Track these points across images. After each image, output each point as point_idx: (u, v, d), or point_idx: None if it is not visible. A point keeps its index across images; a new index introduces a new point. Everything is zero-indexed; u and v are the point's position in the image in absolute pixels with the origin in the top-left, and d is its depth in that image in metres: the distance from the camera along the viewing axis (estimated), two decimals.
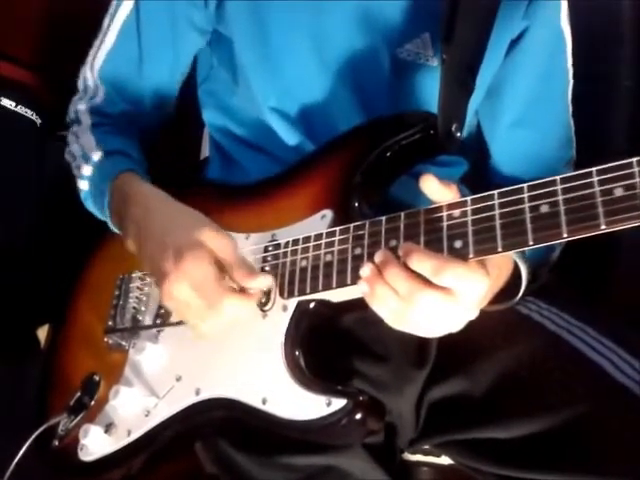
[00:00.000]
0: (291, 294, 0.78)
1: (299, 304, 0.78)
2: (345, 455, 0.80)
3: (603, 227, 0.61)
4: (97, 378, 0.92)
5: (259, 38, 0.92)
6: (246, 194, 0.90)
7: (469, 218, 0.68)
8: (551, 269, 0.93)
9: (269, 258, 0.82)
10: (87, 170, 0.93)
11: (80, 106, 0.99)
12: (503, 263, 0.77)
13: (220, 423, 0.80)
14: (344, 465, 0.81)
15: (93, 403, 0.90)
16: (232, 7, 0.92)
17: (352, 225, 0.76)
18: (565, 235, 0.63)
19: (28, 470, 0.88)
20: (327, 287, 0.76)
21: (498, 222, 0.67)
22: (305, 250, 0.79)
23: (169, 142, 1.12)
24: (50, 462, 0.92)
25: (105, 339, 0.92)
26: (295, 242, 0.80)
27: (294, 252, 0.80)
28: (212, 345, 0.81)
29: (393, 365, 0.85)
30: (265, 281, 0.77)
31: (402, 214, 0.73)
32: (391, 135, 0.81)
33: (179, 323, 0.84)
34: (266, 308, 0.80)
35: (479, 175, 0.99)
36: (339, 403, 0.71)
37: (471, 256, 0.67)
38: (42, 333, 1.06)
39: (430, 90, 0.86)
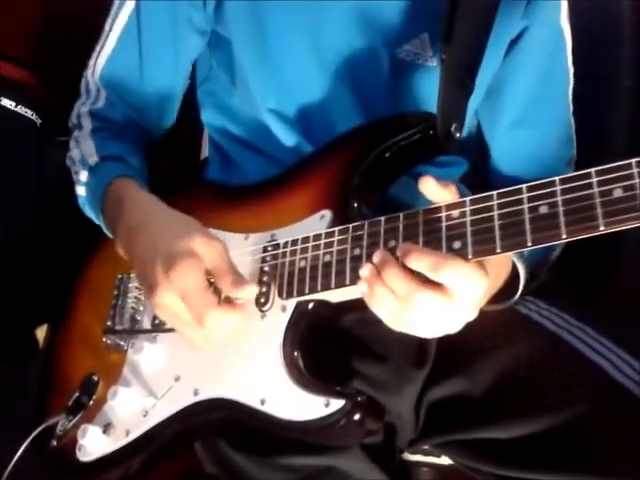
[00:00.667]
0: (290, 294, 0.78)
1: (298, 304, 0.78)
2: (344, 455, 0.80)
3: (602, 228, 0.61)
4: (96, 378, 0.92)
5: (258, 39, 0.91)
6: (245, 194, 0.90)
7: (468, 219, 0.68)
8: (551, 268, 0.93)
9: (268, 258, 0.82)
10: (84, 176, 0.93)
11: (82, 111, 0.99)
12: (502, 263, 0.77)
13: (219, 423, 0.80)
14: (343, 465, 0.81)
15: (91, 403, 0.90)
16: (231, 8, 0.92)
17: (351, 225, 0.76)
18: (564, 236, 0.63)
19: (26, 470, 0.88)
20: (326, 287, 0.76)
21: (497, 223, 0.66)
22: (304, 250, 0.79)
23: (169, 142, 1.12)
24: (48, 462, 0.91)
25: (104, 339, 0.92)
26: (294, 242, 0.80)
27: (293, 252, 0.80)
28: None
29: (393, 365, 0.85)
30: (251, 291, 0.75)
31: (401, 215, 0.73)
32: (390, 136, 0.81)
33: (173, 330, 0.84)
34: (265, 308, 0.80)
35: (479, 175, 0.98)
36: (337, 404, 0.71)
37: (470, 257, 0.67)
38: (41, 333, 1.06)
39: (429, 90, 0.86)
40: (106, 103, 0.98)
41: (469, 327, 0.72)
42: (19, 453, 0.88)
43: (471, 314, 0.70)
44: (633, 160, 0.61)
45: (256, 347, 0.79)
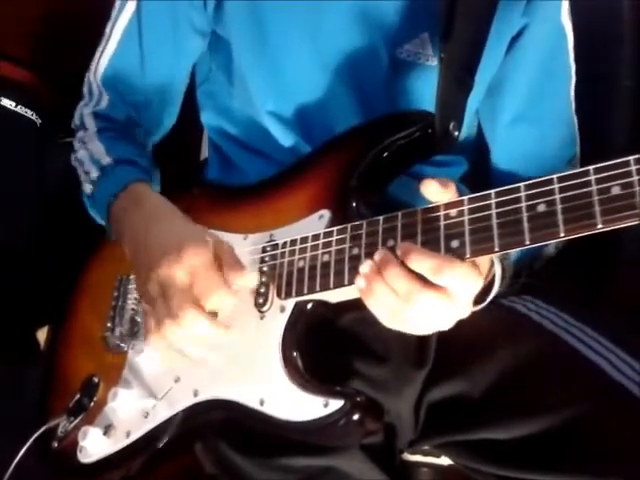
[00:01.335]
0: (288, 295, 0.78)
1: (297, 305, 0.78)
2: (344, 456, 0.80)
3: (600, 226, 0.61)
4: (96, 380, 0.92)
5: (257, 39, 0.91)
6: (244, 195, 0.90)
7: (466, 218, 0.68)
8: (550, 267, 0.92)
9: (267, 258, 0.81)
10: (94, 174, 0.94)
11: (85, 112, 1.00)
12: (483, 265, 0.76)
13: (218, 424, 0.80)
14: (343, 466, 0.81)
15: (92, 405, 0.90)
16: (230, 8, 0.92)
17: (349, 225, 0.76)
18: (562, 234, 0.62)
19: (28, 471, 0.88)
20: (325, 288, 0.76)
21: (495, 222, 0.66)
22: (303, 250, 0.79)
23: (169, 143, 1.12)
24: (50, 464, 0.91)
25: (104, 341, 0.92)
26: (293, 242, 0.80)
27: (292, 252, 0.79)
28: (210, 346, 0.81)
29: (392, 365, 0.84)
30: (251, 279, 0.77)
31: (399, 214, 0.73)
32: (388, 135, 0.81)
33: None
34: (264, 309, 0.80)
35: (479, 175, 0.98)
36: (336, 404, 0.71)
37: (468, 256, 0.67)
38: (42, 335, 1.06)
39: (430, 90, 0.86)
40: (109, 104, 0.99)
41: (468, 327, 0.72)
42: (21, 454, 0.88)
43: (464, 312, 0.70)
44: (631, 157, 0.60)
45: (255, 347, 0.79)
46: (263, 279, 0.81)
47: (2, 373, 1.02)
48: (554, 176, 0.64)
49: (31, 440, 0.88)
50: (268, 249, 0.82)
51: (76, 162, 0.98)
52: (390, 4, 0.88)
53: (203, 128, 1.07)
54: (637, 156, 0.60)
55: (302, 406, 0.73)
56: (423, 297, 0.66)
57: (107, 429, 0.86)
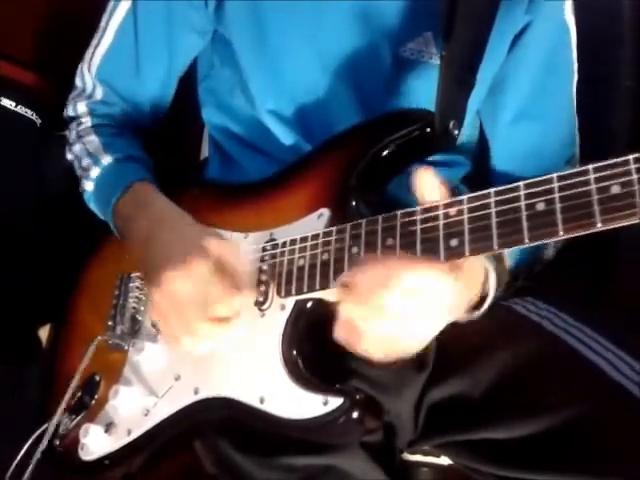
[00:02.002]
0: (288, 293, 0.78)
1: (297, 303, 0.78)
2: (344, 455, 0.80)
3: (599, 225, 0.61)
4: (97, 378, 0.92)
5: (258, 39, 0.92)
6: (245, 193, 0.90)
7: (465, 217, 0.68)
8: (549, 268, 0.92)
9: (267, 257, 0.82)
10: (95, 172, 0.94)
11: (79, 105, 1.00)
12: (473, 271, 0.76)
13: (219, 422, 0.80)
14: (343, 465, 0.81)
15: (93, 403, 0.90)
16: (231, 8, 0.92)
17: (349, 224, 0.76)
18: (561, 233, 0.62)
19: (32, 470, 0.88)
20: (324, 286, 0.76)
21: (494, 220, 0.66)
22: (302, 249, 0.79)
23: (169, 142, 1.12)
24: (51, 462, 0.91)
25: (105, 339, 0.93)
26: (292, 242, 0.80)
27: (291, 251, 0.80)
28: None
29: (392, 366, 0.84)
30: (244, 300, 0.79)
31: (399, 213, 0.73)
32: (388, 133, 0.81)
33: None
34: (264, 307, 0.80)
35: (480, 176, 0.98)
36: (336, 402, 0.71)
37: (467, 254, 0.67)
38: (44, 333, 1.06)
39: (432, 88, 0.85)
40: (103, 99, 1.00)
41: (468, 328, 0.72)
42: (22, 452, 0.88)
43: (443, 316, 0.70)
44: (631, 156, 0.61)
45: (255, 346, 0.79)
46: (263, 278, 0.81)
47: (3, 372, 1.02)
48: (553, 175, 0.64)
49: (32, 438, 0.88)
50: (268, 248, 0.82)
51: (71, 155, 0.98)
52: (393, 3, 0.88)
53: (203, 127, 1.07)
54: (636, 155, 0.60)
55: (302, 404, 0.73)
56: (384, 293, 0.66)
57: (108, 427, 0.87)
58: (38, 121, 1.09)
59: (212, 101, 1.03)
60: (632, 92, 1.12)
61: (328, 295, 0.77)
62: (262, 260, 0.82)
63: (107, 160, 0.94)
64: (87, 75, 1.00)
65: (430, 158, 0.88)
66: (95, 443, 0.86)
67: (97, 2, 1.01)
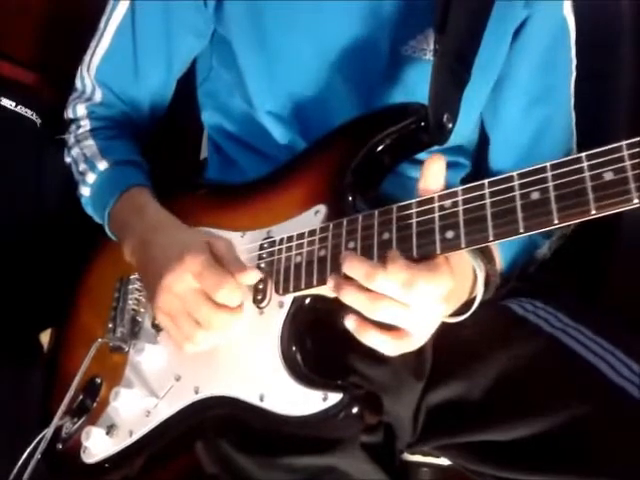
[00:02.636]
0: (286, 290, 0.78)
1: (295, 300, 0.78)
2: (345, 456, 0.80)
3: (593, 212, 0.61)
4: (99, 380, 0.92)
5: (257, 39, 0.92)
6: (241, 192, 0.90)
7: (460, 208, 0.68)
8: (545, 266, 0.92)
9: (264, 255, 0.82)
10: (91, 178, 0.95)
11: (79, 107, 1.01)
12: (465, 272, 0.76)
13: (220, 421, 0.80)
14: (344, 466, 0.81)
15: (95, 405, 0.90)
16: (230, 8, 0.92)
17: (345, 220, 0.76)
18: (556, 222, 0.62)
19: (34, 473, 0.88)
20: (321, 282, 0.76)
21: (489, 211, 0.66)
22: (299, 246, 0.79)
23: (169, 142, 1.12)
24: (54, 464, 0.92)
25: (105, 341, 0.93)
26: (289, 238, 0.80)
27: (289, 248, 0.80)
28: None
29: (391, 367, 0.84)
30: (254, 276, 0.78)
31: (394, 207, 0.73)
32: (382, 128, 0.81)
33: None
34: (262, 305, 0.80)
35: (480, 176, 0.98)
36: (335, 397, 0.71)
37: (463, 246, 0.67)
38: (45, 337, 1.06)
39: None
40: (102, 101, 1.01)
41: (466, 330, 0.73)
42: (25, 455, 0.88)
43: (434, 312, 0.70)
44: (624, 142, 0.60)
45: (254, 343, 0.79)
46: (261, 275, 0.81)
47: (5, 376, 1.02)
48: (547, 164, 0.64)
49: (35, 442, 0.88)
50: (265, 246, 0.82)
51: (69, 159, 0.99)
52: (392, 2, 0.88)
53: (203, 128, 1.07)
54: (629, 141, 0.60)
55: (301, 400, 0.73)
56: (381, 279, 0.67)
57: (110, 429, 0.87)
58: (38, 121, 1.09)
59: (211, 103, 1.03)
60: (632, 92, 1.11)
61: (326, 291, 0.77)
62: (260, 258, 0.82)
63: (103, 165, 0.95)
64: (86, 77, 1.01)
65: None
66: (97, 445, 0.86)
67: (97, 2, 1.02)
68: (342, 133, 0.85)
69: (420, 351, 0.84)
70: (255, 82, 0.94)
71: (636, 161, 0.59)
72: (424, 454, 0.97)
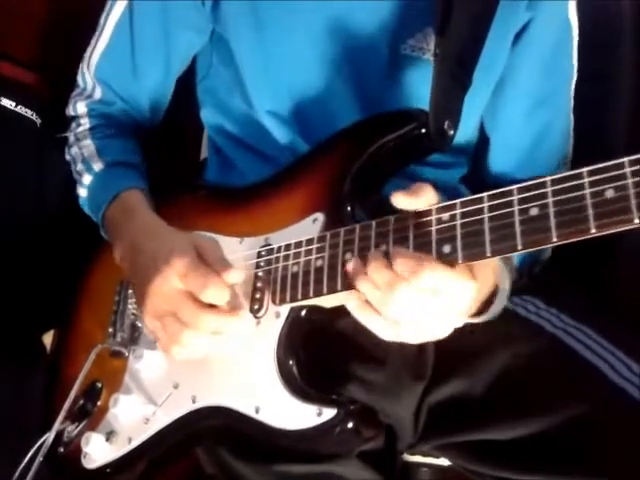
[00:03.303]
0: (283, 301, 0.77)
1: (291, 311, 0.77)
2: (343, 462, 0.80)
3: (593, 231, 0.59)
4: (99, 385, 0.92)
5: (256, 38, 0.90)
6: (240, 197, 0.90)
7: (458, 222, 0.67)
8: (548, 267, 0.91)
9: (262, 264, 0.81)
10: (87, 179, 0.95)
11: (79, 105, 1.01)
12: (490, 272, 0.75)
13: (216, 431, 0.80)
14: (342, 472, 0.81)
15: (95, 410, 0.90)
16: (228, 7, 0.91)
17: (342, 230, 0.75)
18: (554, 239, 0.61)
19: (36, 476, 0.89)
20: (318, 293, 0.75)
21: (487, 226, 0.65)
22: (297, 255, 0.78)
23: (169, 142, 1.11)
24: (56, 468, 0.92)
25: (106, 346, 0.93)
26: (287, 247, 0.79)
27: (286, 257, 0.79)
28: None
29: (390, 370, 0.84)
30: (239, 275, 0.77)
31: (392, 218, 0.71)
32: (381, 135, 0.79)
33: None
34: (259, 315, 0.79)
35: (479, 176, 0.96)
36: (330, 413, 0.70)
37: (460, 261, 0.66)
38: (48, 339, 1.07)
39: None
40: (102, 98, 1.00)
41: (467, 331, 0.71)
42: (26, 460, 0.88)
43: (457, 319, 0.69)
44: (625, 159, 0.58)
45: (251, 354, 0.78)
46: (259, 284, 0.80)
47: (8, 377, 1.03)
48: (547, 178, 0.62)
49: (35, 447, 0.88)
50: (263, 253, 0.81)
51: (69, 157, 0.99)
52: (392, 1, 0.86)
53: (203, 127, 1.06)
54: (631, 158, 0.58)
55: (296, 415, 0.72)
56: (403, 288, 0.65)
57: (109, 435, 0.87)
58: (38, 121, 1.08)
59: (210, 101, 1.02)
60: (632, 92, 1.09)
61: (323, 302, 0.77)
62: (257, 266, 0.81)
63: (98, 166, 0.94)
64: (87, 74, 1.00)
65: (427, 160, 0.87)
66: (97, 451, 0.87)
67: (97, 2, 1.01)
68: (341, 139, 0.84)
69: (421, 351, 0.84)
70: (254, 81, 0.93)
71: (638, 179, 0.57)
72: (424, 455, 0.96)
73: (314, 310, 0.77)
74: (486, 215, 0.65)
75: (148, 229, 0.85)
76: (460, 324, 0.70)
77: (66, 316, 1.01)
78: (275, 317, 0.78)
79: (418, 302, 0.66)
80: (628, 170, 0.58)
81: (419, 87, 0.88)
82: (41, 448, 0.87)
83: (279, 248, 0.80)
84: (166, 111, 1.04)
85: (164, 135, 1.06)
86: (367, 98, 0.90)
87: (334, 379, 0.81)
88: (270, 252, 0.81)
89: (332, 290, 0.73)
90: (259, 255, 0.81)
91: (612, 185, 0.58)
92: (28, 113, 1.07)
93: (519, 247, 0.62)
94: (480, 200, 0.66)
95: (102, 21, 0.98)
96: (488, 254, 0.64)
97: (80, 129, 1.00)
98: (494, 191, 0.65)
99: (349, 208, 0.78)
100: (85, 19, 1.03)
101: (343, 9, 0.87)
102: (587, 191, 0.59)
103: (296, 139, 0.92)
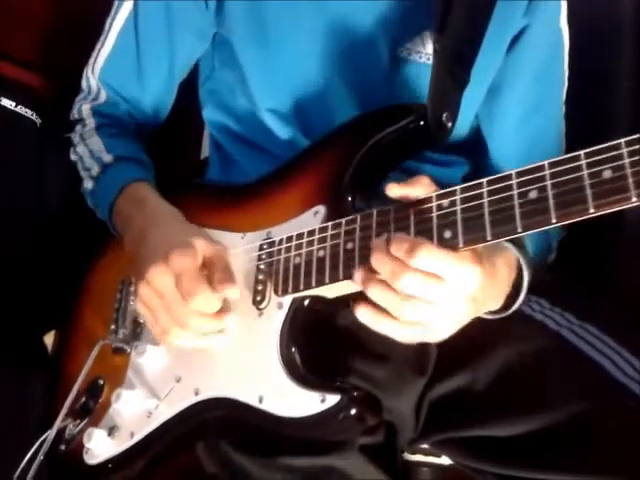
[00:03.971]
0: (285, 291, 0.78)
1: (294, 301, 0.78)
2: (345, 456, 0.79)
3: (592, 210, 0.60)
4: (101, 382, 0.92)
5: (258, 38, 0.92)
6: (242, 193, 0.90)
7: (458, 207, 0.67)
8: (552, 264, 0.91)
9: (264, 256, 0.81)
10: (96, 171, 0.96)
11: (84, 108, 1.02)
12: (509, 265, 0.75)
13: (219, 423, 0.80)
14: (344, 466, 0.80)
15: (97, 407, 0.90)
16: (231, 8, 0.92)
17: (344, 220, 0.75)
18: (554, 220, 0.61)
19: (37, 474, 0.89)
20: (320, 283, 0.75)
21: (487, 210, 0.65)
22: (298, 247, 0.78)
23: (169, 142, 1.12)
24: (57, 466, 0.92)
25: (108, 343, 0.93)
26: (289, 239, 0.80)
27: (288, 249, 0.79)
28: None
29: (392, 365, 0.84)
30: (233, 293, 0.77)
31: (392, 207, 0.72)
32: (381, 128, 0.80)
33: None
34: (262, 306, 0.80)
35: (480, 176, 0.97)
36: (333, 399, 0.70)
37: (461, 246, 0.66)
38: (49, 339, 1.07)
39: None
40: (107, 101, 1.02)
41: (471, 325, 0.71)
42: (27, 457, 0.88)
43: (466, 308, 0.68)
44: (622, 140, 0.59)
45: (254, 345, 0.79)
46: (260, 277, 0.81)
47: (9, 377, 1.02)
48: (545, 162, 0.64)
49: (37, 444, 0.88)
50: (265, 247, 0.82)
51: (75, 156, 1.00)
52: (391, 3, 0.88)
53: (203, 127, 1.08)
54: (628, 138, 0.59)
55: (300, 402, 0.72)
56: (406, 275, 0.65)
57: (111, 430, 0.87)
58: (38, 121, 1.09)
59: (213, 101, 1.04)
60: (632, 92, 1.10)
61: (325, 292, 0.77)
62: (259, 259, 0.82)
63: (108, 159, 0.95)
64: (91, 78, 1.01)
65: (429, 158, 0.88)
66: (99, 447, 0.86)
67: (98, 2, 1.02)
68: (341, 133, 0.85)
69: (423, 346, 0.84)
70: (256, 80, 0.94)
71: (635, 159, 0.58)
72: (425, 454, 0.96)
73: (317, 300, 0.77)
74: (486, 200, 0.66)
75: (159, 217, 0.86)
76: (468, 316, 0.70)
77: (67, 315, 1.02)
78: (278, 308, 0.78)
79: (424, 290, 0.66)
80: (625, 150, 0.59)
81: (418, 89, 0.89)
82: (42, 446, 0.87)
83: (281, 240, 0.81)
84: (168, 112, 1.05)
85: (165, 134, 1.07)
86: (366, 97, 0.92)
87: (336, 372, 0.81)
88: (272, 245, 0.81)
89: (334, 279, 0.74)
90: (261, 248, 0.82)
91: (609, 166, 0.59)
92: (28, 113, 1.08)
93: (519, 229, 0.63)
94: (479, 185, 0.67)
95: (107, 26, 0.99)
96: (489, 237, 0.65)
97: (86, 129, 1.01)
98: (493, 176, 0.66)
99: (349, 199, 0.79)
100: (86, 19, 1.05)
101: (342, 11, 0.89)
102: (585, 172, 0.60)
103: (297, 136, 0.93)
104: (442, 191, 0.69)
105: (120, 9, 0.97)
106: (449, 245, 0.67)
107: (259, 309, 0.80)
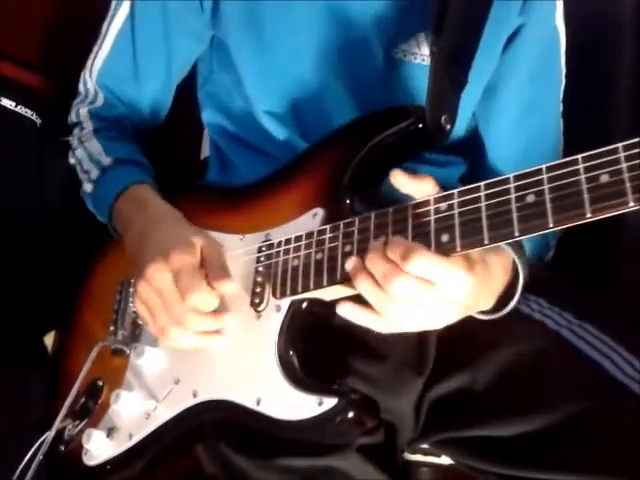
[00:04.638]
0: (283, 294, 0.78)
1: (292, 304, 0.78)
2: (344, 457, 0.80)
3: (589, 215, 0.60)
4: (100, 383, 0.92)
5: (254, 39, 0.92)
6: (241, 195, 0.90)
7: (456, 211, 0.68)
8: (551, 263, 0.91)
9: (262, 258, 0.82)
10: (95, 174, 0.96)
11: (81, 111, 1.02)
12: (499, 265, 0.74)
13: (217, 425, 0.80)
14: (344, 466, 0.81)
15: (97, 408, 0.91)
16: (227, 9, 0.92)
17: (342, 222, 0.76)
18: (551, 225, 0.62)
19: (36, 475, 0.89)
20: (318, 285, 0.75)
21: (484, 214, 0.66)
22: (297, 249, 0.78)
23: (169, 142, 1.12)
24: (57, 466, 0.92)
25: (107, 344, 0.93)
26: (287, 242, 0.80)
27: (286, 251, 0.79)
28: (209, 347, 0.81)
29: (391, 364, 0.84)
30: (231, 287, 0.78)
31: (390, 210, 0.72)
32: (380, 130, 0.80)
33: None
34: (260, 309, 0.80)
35: (477, 176, 0.97)
36: (330, 402, 0.71)
37: (458, 249, 0.66)
38: (49, 340, 1.07)
39: (425, 89, 0.85)
40: (104, 104, 1.02)
41: (470, 326, 0.72)
42: (27, 458, 0.89)
43: (454, 310, 0.69)
44: (620, 144, 0.59)
45: (252, 347, 0.79)
46: (259, 279, 0.81)
47: (9, 378, 1.03)
48: (543, 166, 0.64)
49: (36, 445, 0.88)
50: (264, 249, 0.82)
51: (74, 160, 1.00)
52: (387, 4, 0.88)
53: (203, 127, 1.08)
54: (626, 143, 0.59)
55: (297, 405, 0.73)
56: (398, 279, 0.65)
57: (110, 431, 0.87)
58: (38, 121, 1.09)
59: (211, 104, 1.04)
60: (632, 92, 1.10)
61: (323, 295, 0.77)
62: (258, 261, 0.82)
63: (107, 162, 0.96)
64: (89, 81, 1.02)
65: (426, 158, 0.88)
66: (98, 448, 0.87)
67: (98, 2, 1.02)
68: (340, 135, 0.85)
69: (422, 346, 0.85)
70: (252, 82, 0.94)
71: (632, 163, 0.58)
72: (425, 454, 0.96)
73: (315, 303, 0.78)
74: (483, 203, 0.66)
75: (159, 219, 0.86)
76: (454, 318, 0.70)
77: (67, 316, 1.02)
78: (276, 310, 0.78)
79: (413, 293, 0.66)
80: (622, 155, 0.59)
81: (414, 91, 0.89)
82: (41, 447, 0.88)
83: (279, 243, 0.81)
84: (166, 114, 1.05)
85: (165, 134, 1.07)
86: (362, 98, 0.92)
87: (335, 373, 0.82)
88: (270, 247, 0.81)
89: (332, 282, 0.74)
90: (259, 250, 0.82)
91: (607, 170, 0.59)
92: (28, 113, 1.08)
93: (516, 233, 0.63)
94: (477, 189, 0.67)
95: (104, 29, 0.99)
96: (486, 241, 0.65)
97: (84, 132, 1.01)
98: (491, 180, 0.67)
99: (348, 201, 0.79)
100: (86, 20, 1.05)
101: (338, 13, 0.89)
102: (582, 176, 0.61)
103: (293, 138, 0.94)
104: (440, 194, 0.69)
105: (117, 12, 0.97)
106: (446, 248, 0.67)
107: (257, 311, 0.80)
